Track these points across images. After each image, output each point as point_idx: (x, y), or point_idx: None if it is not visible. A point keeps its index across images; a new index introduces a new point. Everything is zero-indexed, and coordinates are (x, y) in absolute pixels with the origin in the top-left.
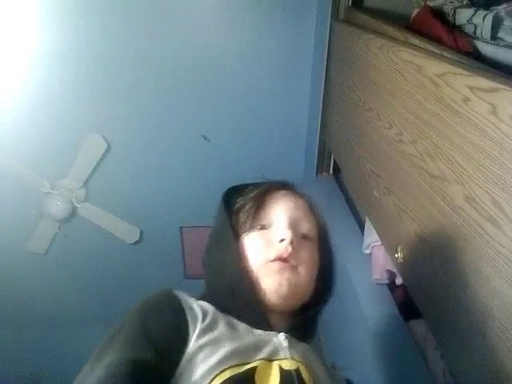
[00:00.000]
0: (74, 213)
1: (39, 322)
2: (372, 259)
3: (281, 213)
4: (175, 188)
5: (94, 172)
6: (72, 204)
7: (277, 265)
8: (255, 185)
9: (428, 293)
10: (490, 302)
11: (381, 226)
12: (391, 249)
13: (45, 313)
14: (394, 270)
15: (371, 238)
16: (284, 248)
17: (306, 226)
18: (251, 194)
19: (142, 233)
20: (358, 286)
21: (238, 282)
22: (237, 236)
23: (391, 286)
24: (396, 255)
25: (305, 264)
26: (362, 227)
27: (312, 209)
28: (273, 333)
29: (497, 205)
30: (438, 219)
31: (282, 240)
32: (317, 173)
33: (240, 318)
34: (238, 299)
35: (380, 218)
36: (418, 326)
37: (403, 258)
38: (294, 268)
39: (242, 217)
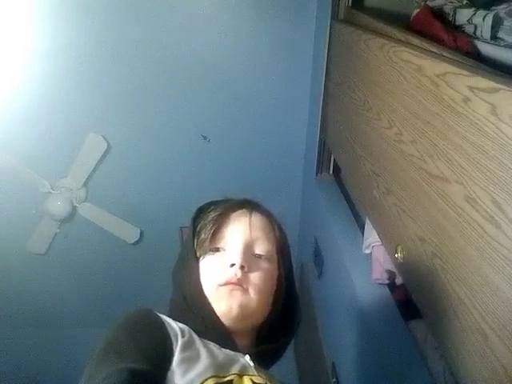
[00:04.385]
0: (73, 213)
1: (39, 321)
2: (372, 259)
3: (235, 235)
4: (175, 188)
5: (94, 172)
6: (72, 204)
7: (227, 288)
8: (217, 203)
9: (428, 293)
10: (490, 302)
11: (381, 225)
12: (391, 249)
13: (45, 313)
14: (394, 270)
15: (371, 238)
16: (233, 273)
17: (262, 246)
18: (212, 215)
19: (142, 233)
20: (358, 285)
21: (199, 307)
22: (197, 257)
23: (391, 286)
24: (396, 255)
25: (256, 286)
26: (362, 227)
27: (273, 226)
28: (239, 354)
29: (497, 205)
30: (438, 219)
31: (233, 265)
32: (317, 173)
33: (208, 338)
34: (206, 323)
35: (380, 218)
36: (418, 326)
37: (403, 258)
38: (245, 290)
39: (202, 238)
